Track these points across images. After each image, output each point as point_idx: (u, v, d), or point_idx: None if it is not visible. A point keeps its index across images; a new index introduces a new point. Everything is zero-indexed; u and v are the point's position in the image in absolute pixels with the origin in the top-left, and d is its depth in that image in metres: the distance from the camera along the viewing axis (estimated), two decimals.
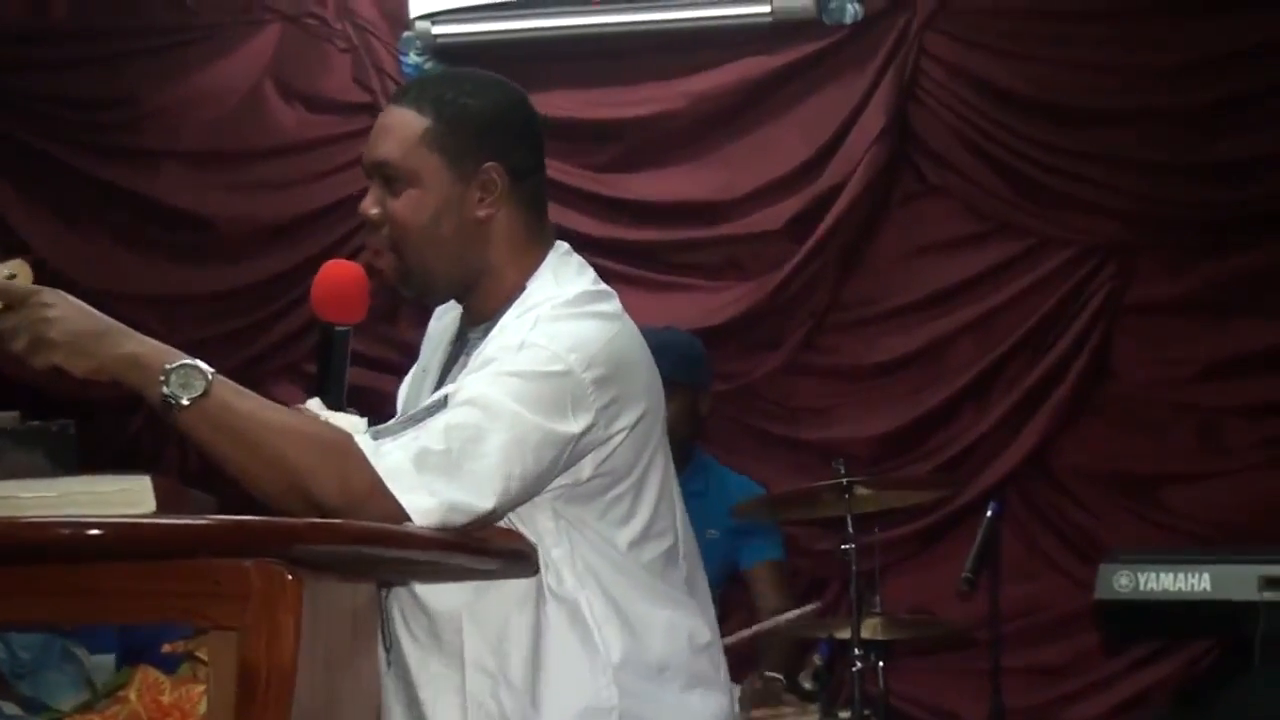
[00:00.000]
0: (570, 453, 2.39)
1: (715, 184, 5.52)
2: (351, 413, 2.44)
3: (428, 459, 2.24)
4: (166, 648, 1.96)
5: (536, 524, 2.43)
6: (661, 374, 3.06)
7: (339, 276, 2.55)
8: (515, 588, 2.43)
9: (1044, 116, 5.32)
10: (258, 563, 1.83)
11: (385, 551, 2.10)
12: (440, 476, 2.24)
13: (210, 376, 2.22)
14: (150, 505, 1.97)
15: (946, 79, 5.37)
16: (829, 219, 5.38)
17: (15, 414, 5.01)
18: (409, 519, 2.20)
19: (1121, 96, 5.30)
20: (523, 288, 2.57)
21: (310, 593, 1.86)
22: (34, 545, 1.84)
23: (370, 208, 2.54)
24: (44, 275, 6.36)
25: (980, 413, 5.38)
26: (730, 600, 5.06)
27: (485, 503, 2.28)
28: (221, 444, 2.22)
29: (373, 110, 5.65)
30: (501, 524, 2.38)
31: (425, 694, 2.45)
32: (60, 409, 5.28)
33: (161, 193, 5.77)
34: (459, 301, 2.65)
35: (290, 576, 1.84)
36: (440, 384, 2.55)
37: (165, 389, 2.20)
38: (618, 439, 2.47)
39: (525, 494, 2.36)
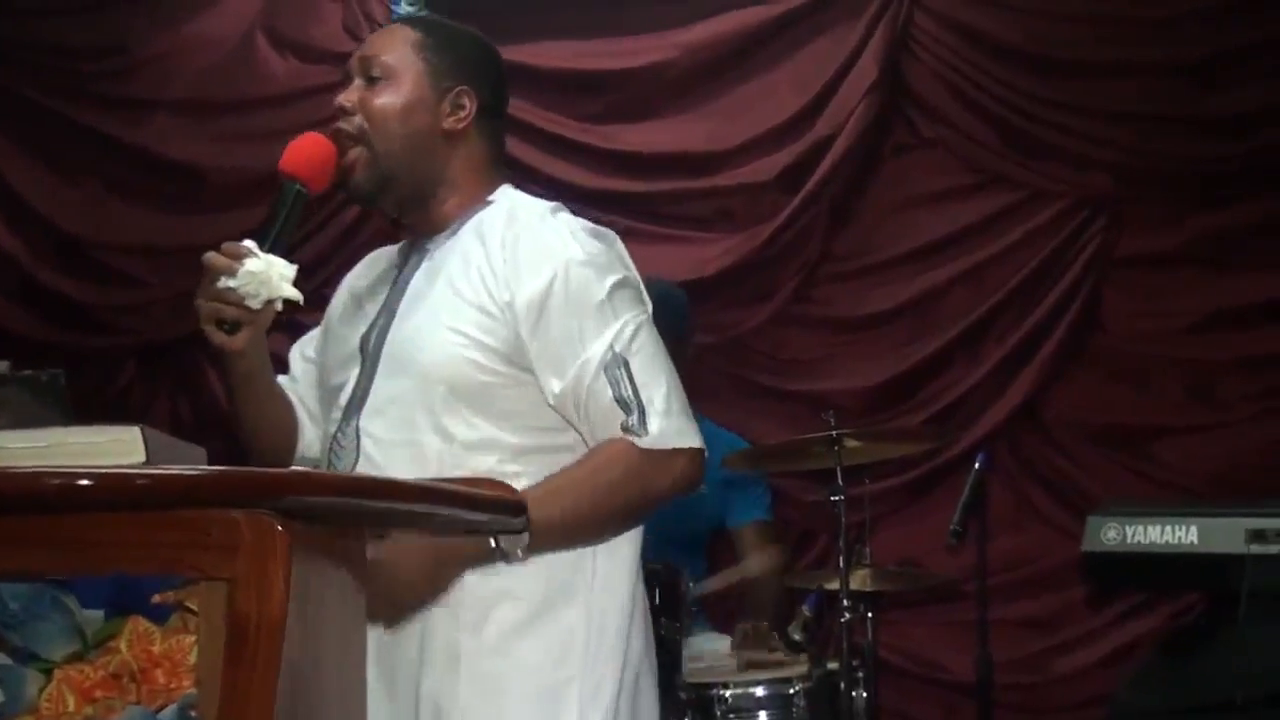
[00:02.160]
0: None
1: (707, 135, 5.51)
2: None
3: (667, 406, 2.60)
4: (157, 598, 1.97)
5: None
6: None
7: (317, 142, 2.68)
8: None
9: (1036, 69, 5.32)
10: (248, 513, 1.83)
11: (376, 503, 2.10)
12: (683, 413, 2.63)
13: (525, 527, 2.43)
14: (140, 456, 1.97)
15: (939, 31, 5.36)
16: (820, 171, 5.38)
17: (5, 363, 5.01)
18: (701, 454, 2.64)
19: (1114, 49, 5.29)
20: (485, 201, 2.75)
21: (300, 543, 1.86)
22: (23, 495, 1.84)
23: (346, 98, 2.73)
24: (34, 224, 6.38)
25: (971, 365, 5.39)
26: (717, 555, 5.07)
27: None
28: (565, 546, 2.57)
29: None
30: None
31: None
32: (51, 358, 5.30)
33: (151, 142, 5.76)
34: (407, 213, 2.79)
35: (280, 527, 1.84)
36: (394, 289, 2.74)
37: (507, 561, 2.50)
38: None
39: None
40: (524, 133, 5.46)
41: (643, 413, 2.57)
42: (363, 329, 2.75)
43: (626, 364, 2.58)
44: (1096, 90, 5.30)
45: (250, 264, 2.49)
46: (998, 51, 5.33)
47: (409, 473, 2.53)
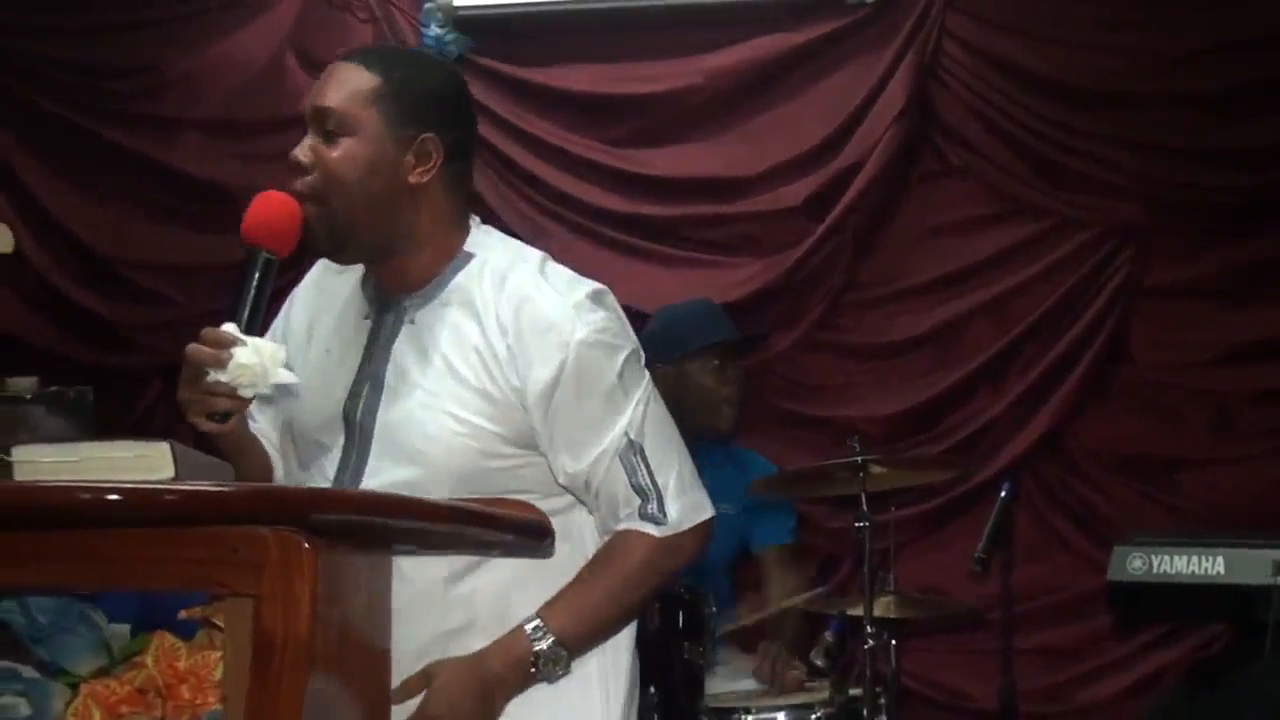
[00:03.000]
0: None
1: (734, 161, 5.51)
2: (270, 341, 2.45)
3: (680, 486, 2.63)
4: (183, 614, 1.97)
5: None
6: (738, 333, 4.44)
7: (279, 203, 2.53)
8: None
9: (1064, 98, 5.31)
10: (275, 530, 1.83)
11: (401, 522, 2.10)
12: (695, 487, 2.67)
13: (560, 646, 2.53)
14: (169, 471, 1.98)
15: (967, 59, 5.35)
16: (847, 198, 5.37)
17: (34, 380, 5.03)
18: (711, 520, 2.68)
19: (1143, 79, 5.29)
20: (463, 254, 2.63)
21: (326, 561, 1.87)
22: (53, 509, 1.85)
23: (302, 154, 2.58)
24: (61, 241, 6.38)
25: (995, 394, 5.37)
26: (742, 578, 5.06)
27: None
28: (598, 644, 2.62)
29: None
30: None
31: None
32: (77, 375, 5.32)
33: (180, 161, 5.76)
34: (372, 264, 2.66)
35: (306, 545, 1.84)
36: (375, 351, 2.62)
37: (549, 681, 2.54)
38: None
39: None
40: (549, 155, 5.47)
41: (660, 499, 2.60)
42: (338, 391, 2.62)
43: (641, 450, 2.58)
44: (1124, 120, 5.29)
45: (240, 356, 2.34)
46: (1026, 80, 5.32)
47: (418, 563, 2.47)
